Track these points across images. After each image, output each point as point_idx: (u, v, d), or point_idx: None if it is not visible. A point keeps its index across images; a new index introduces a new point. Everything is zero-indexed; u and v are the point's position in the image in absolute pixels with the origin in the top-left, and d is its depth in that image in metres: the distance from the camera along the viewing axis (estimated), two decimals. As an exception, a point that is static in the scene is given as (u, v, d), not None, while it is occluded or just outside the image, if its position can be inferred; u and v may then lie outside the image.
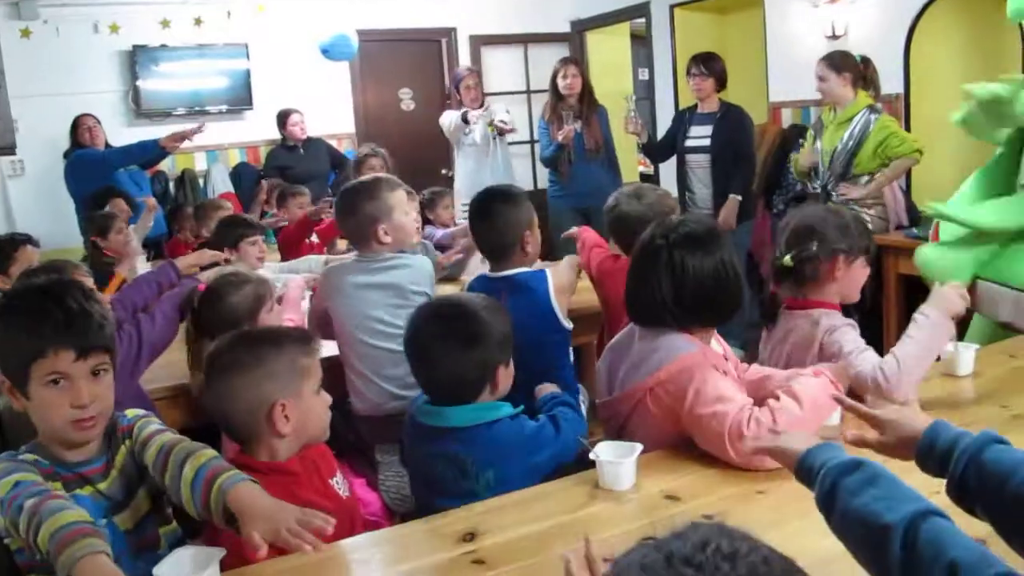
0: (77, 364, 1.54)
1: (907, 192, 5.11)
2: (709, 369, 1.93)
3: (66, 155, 5.92)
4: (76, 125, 5.97)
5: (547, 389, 2.29)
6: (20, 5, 6.18)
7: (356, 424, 2.93)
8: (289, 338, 1.84)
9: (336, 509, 1.79)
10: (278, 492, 1.64)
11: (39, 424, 1.59)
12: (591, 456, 1.78)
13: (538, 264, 2.96)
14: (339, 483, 1.94)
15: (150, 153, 5.57)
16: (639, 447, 1.78)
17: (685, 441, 1.93)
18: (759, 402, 1.93)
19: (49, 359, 1.53)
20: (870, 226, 4.33)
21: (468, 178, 5.99)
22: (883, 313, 4.53)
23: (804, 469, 1.24)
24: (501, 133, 5.96)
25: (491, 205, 2.77)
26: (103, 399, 1.60)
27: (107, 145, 6.00)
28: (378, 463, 2.69)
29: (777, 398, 1.90)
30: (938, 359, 2.28)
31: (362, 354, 2.76)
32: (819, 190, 4.68)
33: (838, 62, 4.51)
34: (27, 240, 3.57)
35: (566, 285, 2.84)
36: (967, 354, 2.34)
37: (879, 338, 4.29)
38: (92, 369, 1.57)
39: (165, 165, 6.40)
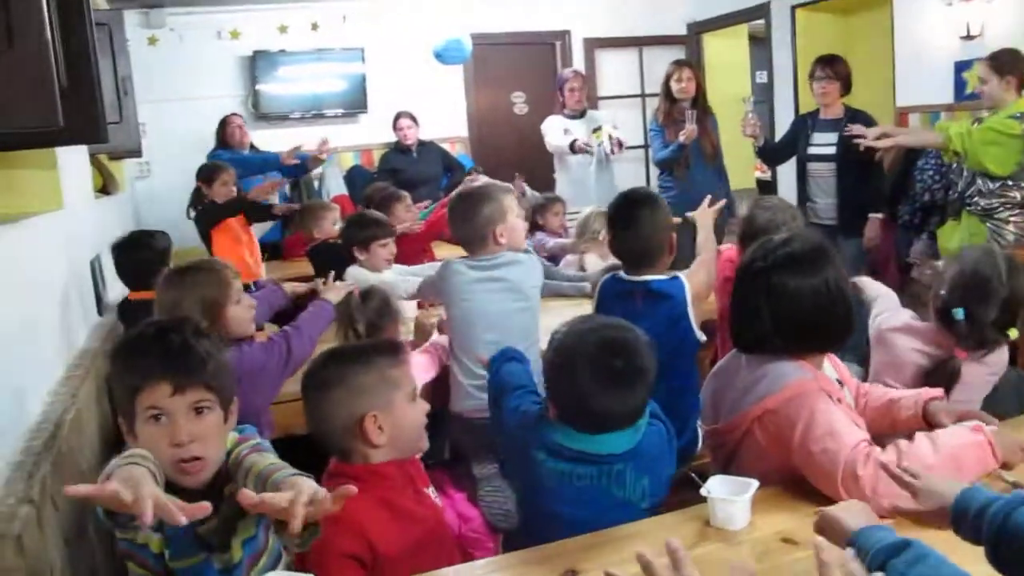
0: (174, 399, 1.50)
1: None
2: (821, 398, 1.80)
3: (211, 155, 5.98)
4: (225, 124, 6.11)
5: None
6: (149, 14, 6.44)
7: (454, 434, 2.91)
8: (375, 350, 1.86)
9: (431, 518, 1.84)
10: (373, 497, 1.68)
11: None
12: (703, 492, 1.68)
13: None
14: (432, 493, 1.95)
15: (270, 166, 5.77)
16: (755, 484, 1.67)
17: (799, 474, 1.81)
18: (886, 430, 1.79)
19: (147, 393, 1.50)
20: (1012, 238, 4.12)
21: (571, 186, 5.89)
22: None
23: (854, 547, 1.23)
24: (614, 150, 5.81)
25: (636, 211, 2.76)
26: (206, 440, 1.53)
27: (252, 146, 6.15)
28: (477, 479, 2.65)
29: (910, 437, 1.75)
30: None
31: (475, 337, 2.75)
32: (955, 197, 4.43)
33: (1003, 63, 4.12)
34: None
35: (703, 292, 2.82)
36: None
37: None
38: (192, 406, 1.52)
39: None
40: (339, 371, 1.80)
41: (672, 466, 1.94)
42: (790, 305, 1.87)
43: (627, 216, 2.76)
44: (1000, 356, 2.28)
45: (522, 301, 2.82)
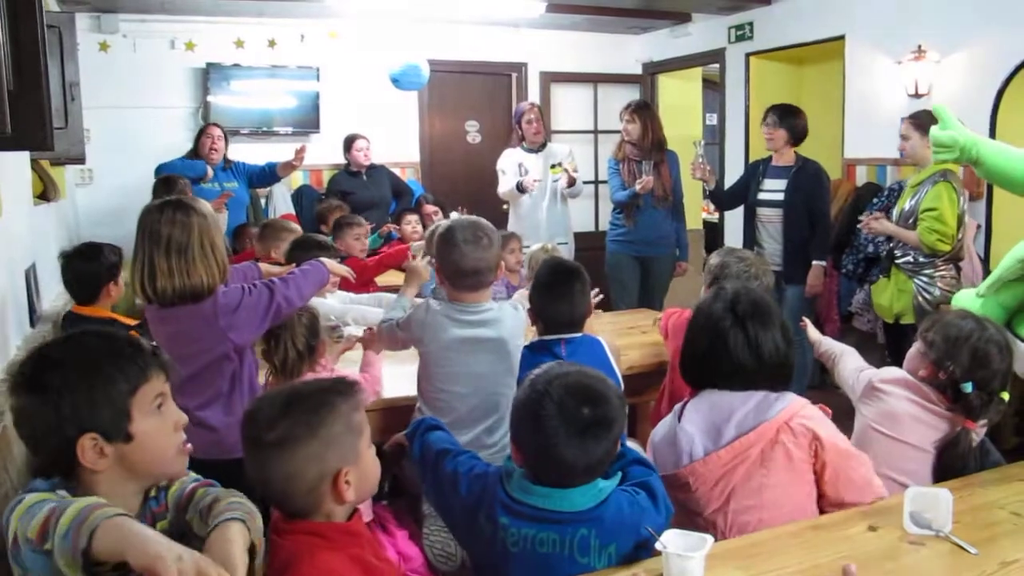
0: (167, 386, 1.57)
1: (985, 260, 4.91)
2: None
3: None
4: (201, 132, 5.99)
5: None
6: (101, 18, 6.29)
7: (404, 470, 2.84)
8: (338, 395, 1.67)
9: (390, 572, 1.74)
10: (349, 556, 1.57)
11: (141, 465, 1.52)
12: (657, 546, 1.65)
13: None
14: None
15: (197, 171, 5.74)
16: (710, 539, 1.64)
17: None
18: None
19: (151, 384, 1.53)
20: (936, 292, 4.21)
21: (521, 221, 5.85)
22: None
23: None
24: (571, 184, 5.81)
25: (575, 283, 2.79)
26: None
27: (225, 159, 6.03)
28: (424, 516, 2.59)
29: None
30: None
31: (449, 404, 2.65)
32: (885, 254, 4.54)
33: (924, 122, 4.32)
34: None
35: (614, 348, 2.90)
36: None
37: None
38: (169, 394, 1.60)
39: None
40: (307, 421, 1.58)
41: (643, 536, 1.80)
42: (756, 352, 2.10)
43: (568, 287, 2.77)
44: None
45: (507, 361, 2.71)
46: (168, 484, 1.61)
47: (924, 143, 4.28)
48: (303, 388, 1.71)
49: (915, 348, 2.42)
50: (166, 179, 5.20)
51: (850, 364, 2.63)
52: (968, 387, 2.24)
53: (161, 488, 1.60)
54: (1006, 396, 2.28)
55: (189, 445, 1.59)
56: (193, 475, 1.65)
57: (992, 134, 4.90)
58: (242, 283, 2.61)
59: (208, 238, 2.48)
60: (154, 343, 1.63)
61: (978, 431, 2.30)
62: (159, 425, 1.53)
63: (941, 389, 2.30)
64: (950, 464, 2.25)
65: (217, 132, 5.97)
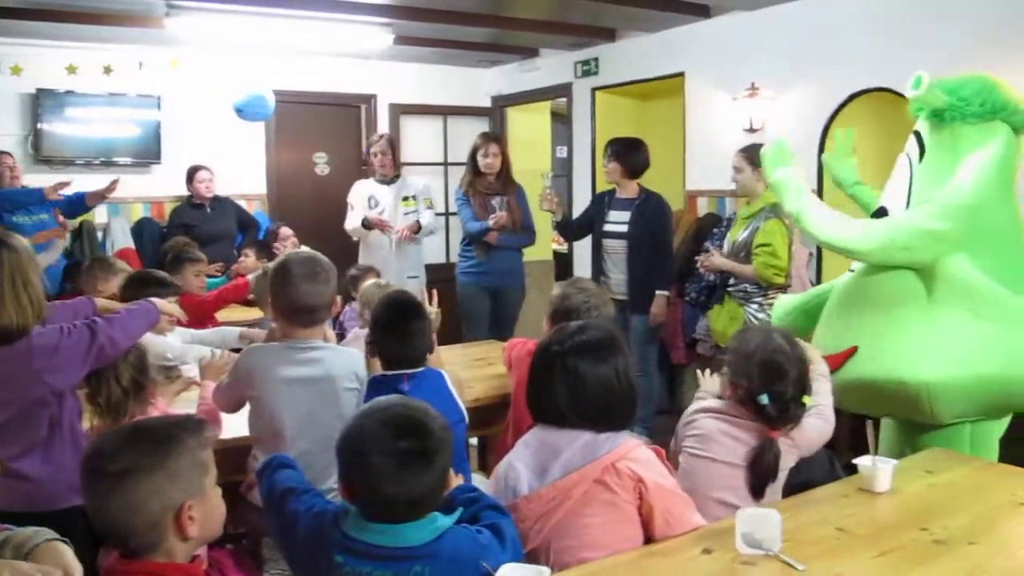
0: None
1: (817, 284, 5.15)
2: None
3: None
4: None
5: (456, 481, 2.08)
6: (-85, 39, 5.89)
7: (247, 514, 2.73)
8: (185, 431, 1.63)
9: None
10: None
11: None
12: (493, 582, 1.63)
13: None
14: None
15: (33, 199, 5.49)
16: (546, 571, 1.65)
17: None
18: None
19: None
20: (765, 318, 4.39)
21: (372, 253, 5.80)
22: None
23: None
24: (417, 231, 5.85)
25: (410, 322, 2.75)
26: None
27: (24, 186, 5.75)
28: (265, 559, 2.50)
29: None
30: (855, 472, 2.35)
31: (277, 447, 2.54)
32: (718, 283, 4.75)
33: (754, 156, 4.53)
34: None
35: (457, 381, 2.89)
36: (885, 469, 2.29)
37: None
38: None
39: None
40: (152, 451, 1.55)
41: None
42: (582, 388, 2.08)
43: (401, 326, 2.74)
44: (800, 430, 2.42)
45: (336, 401, 2.64)
46: None
47: (755, 176, 4.51)
48: (149, 423, 1.69)
49: (721, 372, 2.53)
50: None
51: None
52: (764, 399, 2.33)
53: None
54: (808, 400, 2.39)
55: None
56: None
57: (819, 168, 5.17)
58: (61, 323, 2.45)
59: (21, 275, 2.33)
60: None
61: (792, 437, 2.39)
62: None
63: (744, 404, 2.40)
64: (760, 474, 2.33)
65: (9, 160, 5.76)
